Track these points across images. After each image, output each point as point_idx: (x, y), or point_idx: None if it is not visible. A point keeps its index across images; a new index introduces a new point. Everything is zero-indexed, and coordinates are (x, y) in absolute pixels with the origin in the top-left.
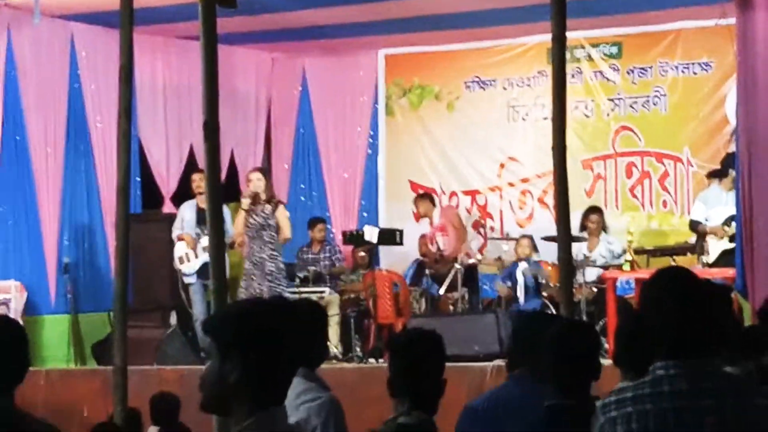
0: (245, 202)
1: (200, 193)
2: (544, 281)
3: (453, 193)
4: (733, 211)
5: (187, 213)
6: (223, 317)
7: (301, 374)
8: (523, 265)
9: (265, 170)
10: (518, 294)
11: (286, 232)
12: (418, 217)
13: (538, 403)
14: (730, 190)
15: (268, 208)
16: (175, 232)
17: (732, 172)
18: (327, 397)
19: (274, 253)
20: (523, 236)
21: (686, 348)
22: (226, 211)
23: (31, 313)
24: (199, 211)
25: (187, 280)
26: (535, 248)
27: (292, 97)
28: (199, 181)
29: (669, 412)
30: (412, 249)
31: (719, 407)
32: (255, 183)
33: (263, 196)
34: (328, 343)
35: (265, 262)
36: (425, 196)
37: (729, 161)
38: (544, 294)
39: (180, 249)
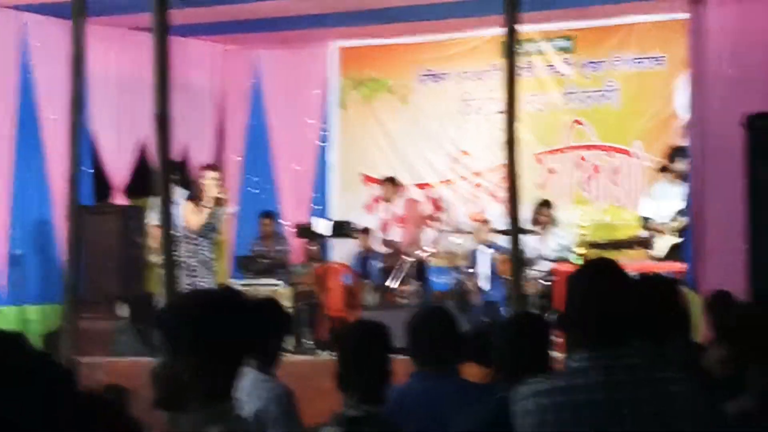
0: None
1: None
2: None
3: (401, 187)
4: (681, 204)
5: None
6: (174, 312)
7: (255, 366)
8: (485, 251)
9: (217, 167)
10: (482, 283)
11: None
12: (372, 205)
13: (443, 397)
14: (673, 183)
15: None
16: (152, 222)
17: (677, 164)
18: (283, 388)
19: (211, 245)
20: (483, 221)
21: (602, 339)
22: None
23: None
24: None
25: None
26: (489, 230)
27: (245, 89)
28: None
29: (584, 405)
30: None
31: (634, 399)
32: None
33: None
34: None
35: (203, 254)
36: (392, 180)
37: (675, 154)
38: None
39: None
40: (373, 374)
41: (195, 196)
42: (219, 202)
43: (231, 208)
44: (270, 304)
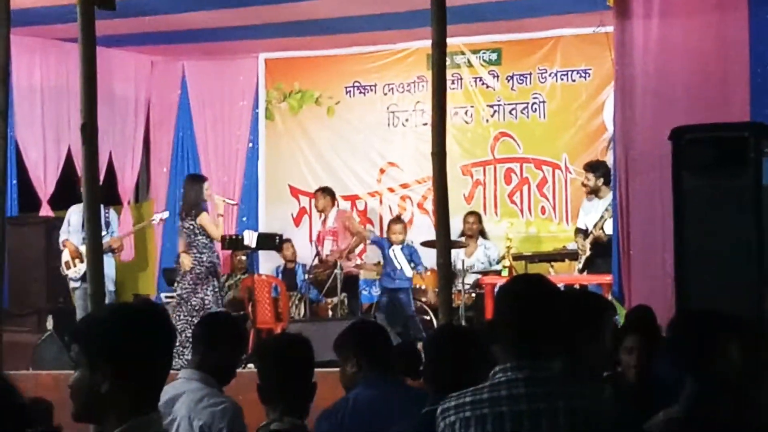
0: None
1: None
2: (418, 265)
3: (334, 197)
4: (596, 218)
5: (73, 217)
6: (91, 325)
7: (199, 379)
8: (396, 249)
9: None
10: (406, 272)
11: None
12: (302, 215)
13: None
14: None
15: (188, 219)
16: (62, 237)
17: (592, 180)
18: (229, 402)
19: (200, 256)
20: (393, 221)
21: (525, 352)
22: (114, 213)
23: None
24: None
25: (72, 285)
26: (406, 231)
27: (172, 100)
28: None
29: (506, 416)
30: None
31: (552, 410)
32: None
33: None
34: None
35: (195, 267)
36: (327, 191)
37: (590, 168)
38: (422, 299)
39: (65, 254)
40: (296, 387)
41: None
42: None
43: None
44: (218, 316)
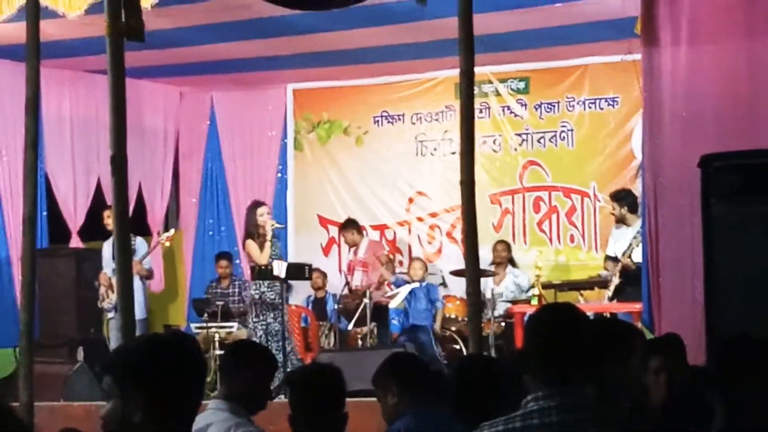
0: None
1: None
2: (439, 304)
3: (362, 228)
4: (624, 247)
5: (106, 250)
6: (123, 357)
7: (228, 409)
8: (413, 285)
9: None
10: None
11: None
12: (331, 244)
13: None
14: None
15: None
16: (102, 271)
17: (620, 209)
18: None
19: (280, 287)
20: (415, 259)
21: (556, 380)
22: (141, 241)
23: None
24: (113, 247)
25: (108, 315)
26: (426, 270)
27: (201, 131)
28: (107, 218)
29: None
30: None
31: None
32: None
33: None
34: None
35: (265, 294)
36: (352, 224)
37: (617, 197)
38: (452, 328)
39: (102, 288)
40: (327, 417)
41: (253, 234)
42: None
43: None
44: (247, 345)
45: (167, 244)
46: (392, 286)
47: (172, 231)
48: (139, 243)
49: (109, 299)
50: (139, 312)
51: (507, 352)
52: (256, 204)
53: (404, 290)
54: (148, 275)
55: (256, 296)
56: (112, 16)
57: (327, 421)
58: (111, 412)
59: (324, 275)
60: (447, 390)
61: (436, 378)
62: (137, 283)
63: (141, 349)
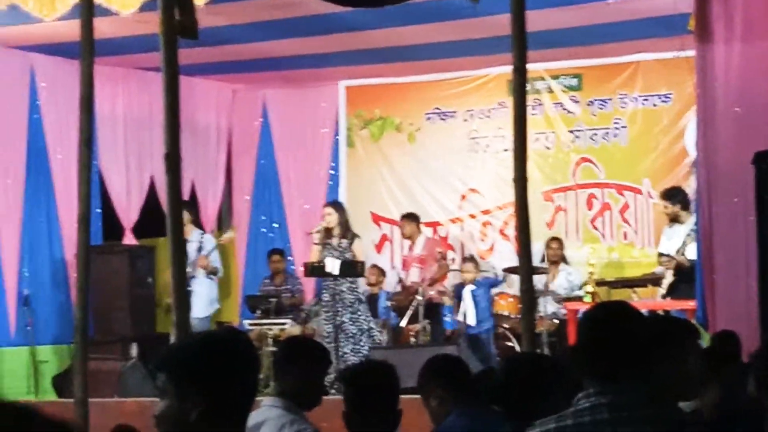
0: (316, 236)
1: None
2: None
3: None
4: (678, 244)
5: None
6: (177, 354)
7: (282, 406)
8: (469, 288)
9: (337, 204)
10: (468, 319)
11: None
12: (383, 242)
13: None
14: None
15: (344, 241)
16: None
17: (671, 206)
18: (311, 430)
19: (353, 285)
20: (465, 259)
21: (607, 377)
22: (209, 238)
23: None
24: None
25: None
26: (478, 269)
27: (253, 129)
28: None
29: None
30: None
31: None
32: (326, 218)
33: (337, 231)
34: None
35: (344, 293)
36: (413, 217)
37: (668, 195)
38: (505, 326)
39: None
40: (381, 414)
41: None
42: (346, 235)
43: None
44: (300, 341)
45: (225, 242)
46: (446, 287)
47: (232, 233)
48: (206, 240)
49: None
50: (205, 309)
51: (560, 350)
52: (327, 204)
53: (467, 299)
54: (213, 271)
55: (335, 292)
56: (165, 13)
57: (381, 418)
58: (165, 410)
59: (381, 271)
60: (494, 389)
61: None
62: (204, 279)
63: (194, 346)
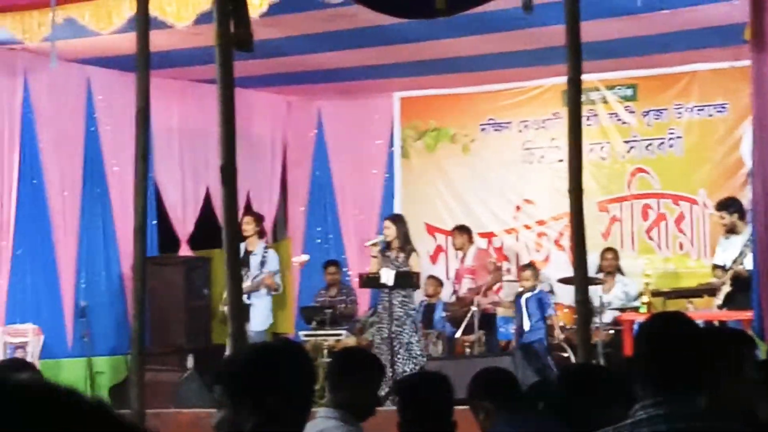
0: (374, 249)
1: (246, 237)
2: (551, 311)
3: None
4: (735, 254)
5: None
6: (232, 366)
7: (337, 417)
8: (526, 296)
9: (396, 218)
10: (523, 325)
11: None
12: (438, 252)
13: None
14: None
15: (402, 255)
16: None
17: (727, 217)
18: None
19: (405, 299)
20: (523, 267)
21: (665, 389)
22: (272, 252)
23: (48, 357)
24: (245, 254)
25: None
26: (537, 277)
27: (308, 140)
28: (245, 225)
29: None
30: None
31: None
32: (385, 231)
33: (395, 244)
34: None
35: (394, 306)
36: (464, 229)
37: (723, 206)
38: (560, 337)
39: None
40: (436, 424)
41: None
42: (404, 249)
43: (299, 259)
44: (355, 352)
45: (299, 267)
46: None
47: (306, 257)
48: (270, 255)
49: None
50: (262, 323)
51: (616, 361)
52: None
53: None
54: (276, 288)
55: (386, 305)
56: (221, 26)
57: (435, 429)
58: (221, 422)
59: (438, 282)
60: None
61: (534, 389)
62: (263, 294)
63: (249, 358)
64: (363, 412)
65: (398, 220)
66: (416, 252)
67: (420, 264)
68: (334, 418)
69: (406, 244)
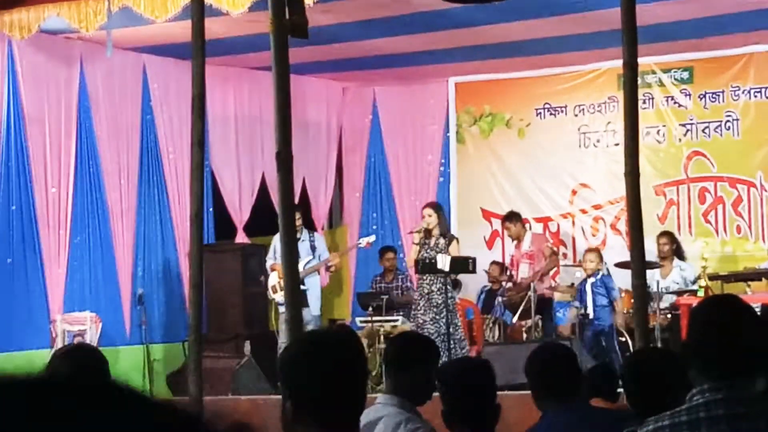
0: (416, 236)
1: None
2: (615, 294)
3: (525, 220)
4: None
5: (279, 242)
6: (287, 356)
7: (397, 404)
8: (591, 280)
9: (437, 206)
10: (588, 312)
11: None
12: (494, 237)
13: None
14: None
15: (442, 242)
16: (269, 262)
17: None
18: (428, 428)
19: (445, 287)
20: (588, 250)
21: (723, 372)
22: (320, 237)
23: (106, 344)
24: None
25: (280, 309)
26: (601, 259)
27: (363, 126)
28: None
29: None
30: (485, 277)
31: (754, 431)
32: (426, 218)
33: (436, 231)
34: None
35: (433, 294)
36: (514, 217)
37: None
38: (619, 321)
39: (273, 279)
40: (479, 410)
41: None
42: (444, 236)
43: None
44: (412, 338)
45: (366, 247)
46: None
47: (373, 237)
48: (318, 238)
49: (281, 292)
50: (317, 306)
51: (673, 345)
52: (427, 205)
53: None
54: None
55: (424, 291)
56: (276, 13)
57: (478, 415)
58: (287, 410)
59: (501, 267)
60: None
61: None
62: (316, 280)
63: (301, 347)
64: (420, 398)
65: (438, 208)
66: (456, 239)
67: (460, 251)
68: (393, 404)
69: (446, 231)
